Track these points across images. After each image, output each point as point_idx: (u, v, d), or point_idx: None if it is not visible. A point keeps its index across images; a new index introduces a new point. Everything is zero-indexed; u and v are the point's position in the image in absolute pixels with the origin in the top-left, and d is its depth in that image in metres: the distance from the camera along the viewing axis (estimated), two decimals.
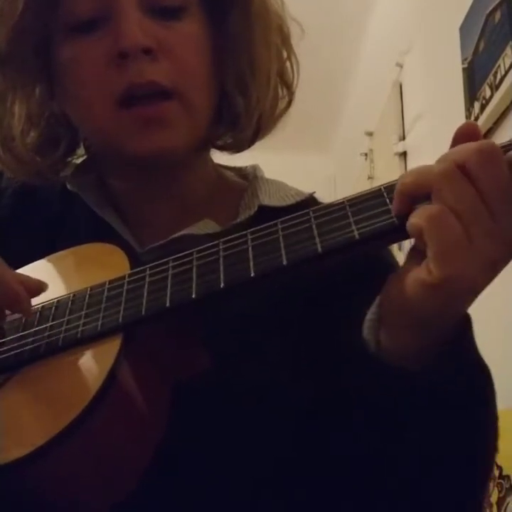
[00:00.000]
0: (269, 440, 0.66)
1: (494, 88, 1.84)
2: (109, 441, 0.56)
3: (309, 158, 4.10)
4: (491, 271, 0.52)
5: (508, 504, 1.62)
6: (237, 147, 0.81)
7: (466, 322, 0.58)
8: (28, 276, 0.64)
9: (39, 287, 0.65)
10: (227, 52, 0.76)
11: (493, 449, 0.60)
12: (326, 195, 0.83)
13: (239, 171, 0.86)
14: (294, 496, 0.67)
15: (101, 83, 0.70)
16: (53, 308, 0.65)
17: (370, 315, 0.60)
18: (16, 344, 0.64)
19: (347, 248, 0.55)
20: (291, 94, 0.81)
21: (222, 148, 0.82)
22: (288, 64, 0.80)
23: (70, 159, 0.82)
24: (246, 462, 0.66)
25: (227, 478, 0.66)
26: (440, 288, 0.52)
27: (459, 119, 2.10)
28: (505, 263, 0.52)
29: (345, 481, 0.63)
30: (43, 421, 0.57)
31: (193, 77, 0.73)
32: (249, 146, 0.81)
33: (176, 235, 0.73)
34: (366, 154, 3.48)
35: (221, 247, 0.60)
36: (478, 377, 0.58)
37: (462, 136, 0.54)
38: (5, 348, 0.64)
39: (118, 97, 0.70)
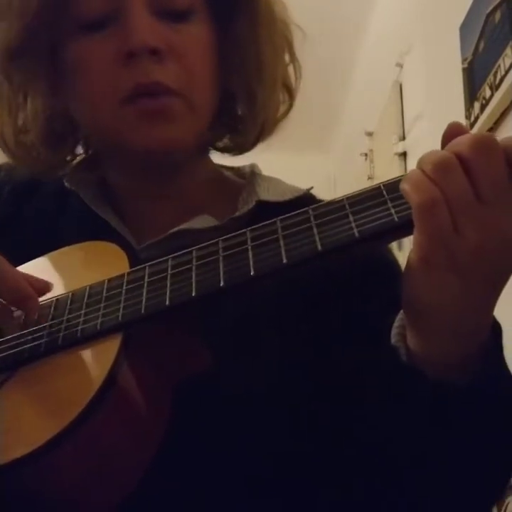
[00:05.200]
0: (270, 439, 0.66)
1: (494, 88, 1.84)
2: (109, 440, 0.56)
3: (309, 158, 4.10)
4: (483, 262, 0.51)
5: (508, 504, 1.62)
6: (239, 149, 0.82)
7: (495, 331, 0.58)
8: (33, 276, 0.65)
9: (45, 287, 0.65)
10: (233, 55, 0.77)
11: None
12: (326, 195, 0.83)
13: (237, 170, 0.86)
14: (295, 493, 0.67)
15: (107, 81, 0.71)
16: (52, 306, 0.65)
17: (397, 322, 0.60)
18: (15, 342, 0.63)
19: (347, 246, 0.55)
20: (292, 98, 0.82)
21: (224, 150, 0.83)
22: (291, 69, 0.81)
23: (70, 157, 0.82)
24: (247, 461, 0.66)
25: (228, 477, 0.66)
26: (427, 273, 0.52)
27: (459, 119, 2.09)
28: (501, 255, 0.52)
29: (358, 485, 0.64)
30: (43, 420, 0.57)
31: (198, 79, 0.74)
32: (251, 149, 0.82)
33: (174, 229, 0.73)
34: (366, 154, 3.47)
35: (220, 245, 0.60)
36: (509, 386, 0.59)
37: (451, 135, 0.55)
38: (4, 346, 0.64)
39: (123, 96, 0.71)
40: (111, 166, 0.81)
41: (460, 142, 0.52)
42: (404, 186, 0.53)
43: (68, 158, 0.82)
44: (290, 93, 0.81)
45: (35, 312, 0.63)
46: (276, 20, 0.78)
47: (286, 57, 0.80)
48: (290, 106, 0.82)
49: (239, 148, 0.82)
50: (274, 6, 0.79)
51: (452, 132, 0.54)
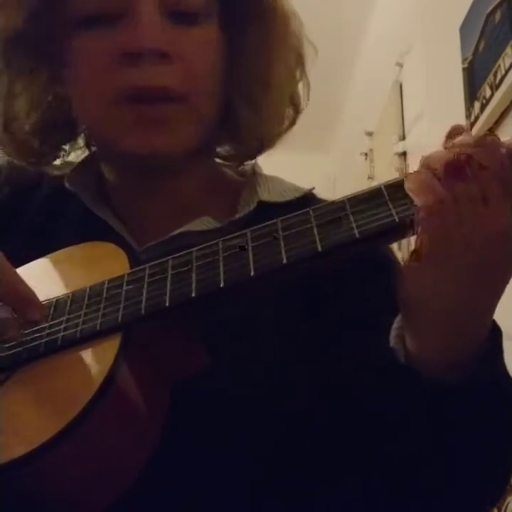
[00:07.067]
0: (268, 438, 0.67)
1: (494, 88, 1.84)
2: (107, 440, 0.56)
3: (309, 158, 4.10)
4: (481, 260, 0.52)
5: (508, 504, 1.62)
6: (241, 159, 0.82)
7: (495, 334, 0.58)
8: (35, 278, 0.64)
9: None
10: (241, 65, 0.76)
11: None
12: (326, 195, 0.83)
13: (237, 168, 0.86)
14: (293, 492, 0.67)
15: (105, 77, 0.71)
16: (52, 307, 0.65)
17: (396, 324, 0.61)
18: (15, 343, 0.63)
19: (347, 247, 0.55)
20: (296, 115, 0.81)
21: (225, 158, 0.83)
22: (299, 87, 0.81)
23: (66, 147, 0.82)
24: (244, 460, 0.66)
25: (225, 476, 0.66)
26: (424, 271, 0.53)
27: (459, 119, 2.10)
28: (500, 255, 0.52)
29: (356, 484, 0.64)
30: (42, 420, 0.56)
31: (203, 83, 0.73)
32: (252, 159, 0.82)
33: (175, 232, 0.73)
34: (366, 154, 3.48)
35: (221, 246, 0.60)
36: (507, 384, 0.59)
37: (453, 135, 0.55)
38: (4, 346, 0.63)
39: (123, 93, 0.70)
40: (108, 165, 0.80)
41: (466, 143, 0.53)
42: (411, 186, 0.53)
43: (60, 151, 0.81)
44: (296, 110, 0.81)
45: (36, 315, 0.62)
46: (290, 35, 0.78)
47: (297, 76, 0.80)
48: (293, 121, 0.81)
49: (240, 158, 0.82)
50: (290, 21, 0.78)
51: (455, 132, 0.54)
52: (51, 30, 0.73)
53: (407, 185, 0.53)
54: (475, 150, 0.52)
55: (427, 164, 0.53)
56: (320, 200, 0.80)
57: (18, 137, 0.78)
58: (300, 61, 0.80)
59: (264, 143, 0.79)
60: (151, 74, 0.70)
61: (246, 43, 0.76)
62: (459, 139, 0.53)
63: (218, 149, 0.82)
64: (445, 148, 0.54)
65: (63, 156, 0.82)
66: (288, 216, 0.59)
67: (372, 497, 0.64)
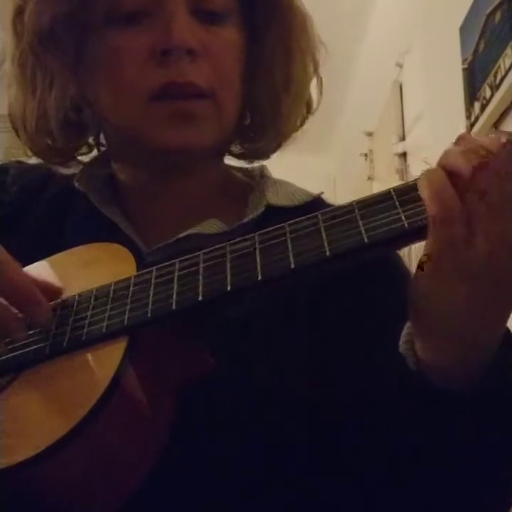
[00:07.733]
0: (274, 442, 0.67)
1: (494, 88, 1.84)
2: (113, 443, 0.56)
3: (309, 158, 4.09)
4: (491, 269, 0.52)
5: None
6: (258, 157, 0.83)
7: (506, 342, 0.57)
8: (46, 280, 0.64)
9: (56, 291, 0.64)
10: (262, 64, 0.78)
11: None
12: (326, 196, 0.84)
13: (246, 171, 0.86)
14: (298, 498, 0.68)
15: (139, 75, 0.72)
16: (58, 309, 0.64)
17: (405, 329, 0.60)
18: (20, 344, 0.63)
19: (356, 252, 0.55)
20: (308, 113, 0.83)
21: (241, 156, 0.84)
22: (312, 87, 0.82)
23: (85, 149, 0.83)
24: (252, 464, 0.66)
25: (230, 479, 0.66)
26: (435, 279, 0.53)
27: (459, 120, 2.10)
28: (505, 267, 0.52)
29: (359, 485, 0.64)
30: (47, 423, 0.56)
31: (228, 82, 0.75)
32: (269, 158, 0.83)
33: (182, 234, 0.73)
34: (366, 154, 3.48)
35: (228, 249, 0.60)
36: None
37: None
38: (10, 347, 0.63)
39: (152, 92, 0.72)
40: (122, 163, 0.81)
41: (487, 150, 0.51)
42: (425, 192, 0.52)
43: (80, 150, 0.82)
44: (308, 108, 0.83)
45: (42, 318, 0.62)
46: (306, 35, 0.79)
47: (312, 74, 0.81)
48: (303, 121, 0.82)
49: (258, 156, 0.83)
50: (306, 20, 0.80)
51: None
52: (78, 29, 0.73)
53: (421, 188, 0.52)
54: (498, 161, 0.51)
55: (443, 164, 0.52)
56: (329, 205, 0.79)
57: (44, 134, 0.78)
58: (316, 65, 0.81)
59: (281, 141, 0.81)
60: (180, 70, 0.71)
61: (266, 42, 0.77)
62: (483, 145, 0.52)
63: (231, 148, 0.83)
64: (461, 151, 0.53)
65: (77, 155, 0.83)
66: (296, 220, 0.58)
67: (377, 503, 0.64)
